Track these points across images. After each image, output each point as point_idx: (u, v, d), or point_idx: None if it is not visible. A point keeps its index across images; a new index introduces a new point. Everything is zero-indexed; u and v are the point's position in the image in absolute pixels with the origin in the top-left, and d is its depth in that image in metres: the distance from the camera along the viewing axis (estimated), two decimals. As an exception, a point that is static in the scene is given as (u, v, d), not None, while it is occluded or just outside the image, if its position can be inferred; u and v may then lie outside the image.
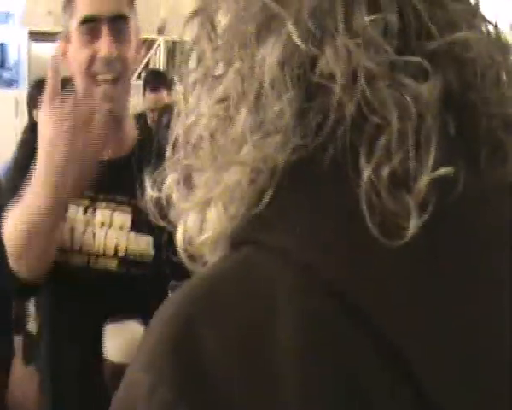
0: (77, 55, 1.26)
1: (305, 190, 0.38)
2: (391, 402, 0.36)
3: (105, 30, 1.24)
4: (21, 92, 4.52)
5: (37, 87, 2.95)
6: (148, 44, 5.88)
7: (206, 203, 0.40)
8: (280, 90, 0.37)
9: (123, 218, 1.32)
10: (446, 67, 0.38)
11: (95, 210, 1.31)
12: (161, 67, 6.02)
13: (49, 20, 4.47)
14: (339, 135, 0.37)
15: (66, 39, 1.28)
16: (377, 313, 0.36)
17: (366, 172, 0.36)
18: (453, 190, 0.37)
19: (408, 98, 0.36)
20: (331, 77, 0.37)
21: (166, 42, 6.02)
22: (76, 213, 1.29)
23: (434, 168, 0.36)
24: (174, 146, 0.43)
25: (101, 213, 1.32)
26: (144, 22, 6.27)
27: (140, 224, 1.30)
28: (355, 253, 0.37)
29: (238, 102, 0.39)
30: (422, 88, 0.36)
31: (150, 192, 0.43)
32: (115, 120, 1.28)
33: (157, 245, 1.32)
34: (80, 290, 1.30)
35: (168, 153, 0.43)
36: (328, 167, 0.37)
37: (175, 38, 6.05)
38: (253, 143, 0.38)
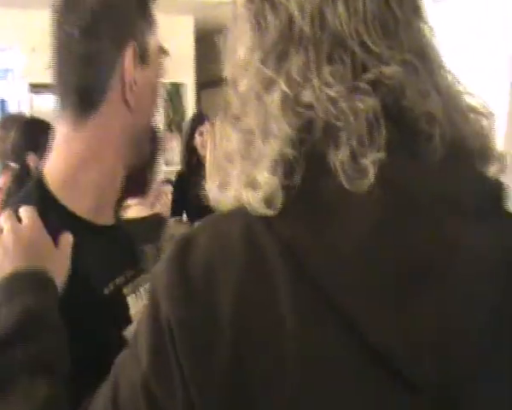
0: (156, 92, 1.00)
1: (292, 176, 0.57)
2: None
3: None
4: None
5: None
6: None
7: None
8: (281, 119, 0.59)
9: None
10: (381, 88, 0.58)
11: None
12: (160, 109, 6.07)
13: (49, 73, 4.49)
14: (317, 138, 0.58)
15: (143, 59, 0.93)
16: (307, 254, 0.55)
17: (335, 156, 0.56)
18: (393, 165, 0.56)
19: (359, 107, 0.57)
20: (310, 105, 0.58)
21: (163, 84, 6.06)
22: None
23: (377, 150, 0.56)
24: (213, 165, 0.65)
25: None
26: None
27: None
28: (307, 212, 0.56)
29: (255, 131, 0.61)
30: (369, 101, 0.57)
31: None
32: None
33: None
34: None
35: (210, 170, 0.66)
36: (312, 160, 0.57)
37: (171, 80, 6.12)
38: (263, 145, 0.60)
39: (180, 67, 6.07)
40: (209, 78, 6.75)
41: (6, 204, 0.93)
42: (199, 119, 3.96)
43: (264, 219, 0.57)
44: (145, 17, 0.92)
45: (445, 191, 0.58)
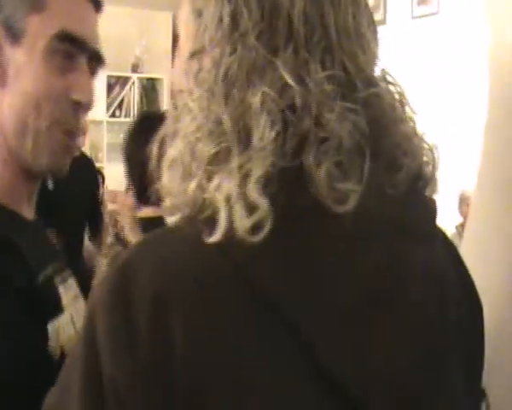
0: (36, 79, 0.84)
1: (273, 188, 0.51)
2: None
3: (83, 64, 0.87)
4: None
5: None
6: (123, 81, 5.90)
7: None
8: (265, 121, 0.51)
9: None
10: (367, 108, 0.55)
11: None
12: (135, 104, 6.02)
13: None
14: (296, 149, 0.52)
15: (14, 37, 0.84)
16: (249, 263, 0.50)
17: (316, 174, 0.51)
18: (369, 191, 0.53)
19: (348, 124, 0.53)
20: (298, 109, 0.53)
21: (140, 79, 6.03)
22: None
23: (358, 176, 0.53)
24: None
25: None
26: (119, 60, 6.29)
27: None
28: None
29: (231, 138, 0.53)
30: (358, 119, 0.54)
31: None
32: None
33: None
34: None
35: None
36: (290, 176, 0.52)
37: (148, 75, 6.07)
38: (242, 156, 0.52)
39: (157, 63, 6.02)
40: (185, 75, 6.71)
41: None
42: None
43: (219, 244, 0.50)
44: None
45: (404, 220, 0.57)
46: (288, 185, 0.51)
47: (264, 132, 0.51)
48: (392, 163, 0.56)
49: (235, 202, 0.50)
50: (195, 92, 0.56)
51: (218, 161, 0.53)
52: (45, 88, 0.83)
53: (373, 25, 0.61)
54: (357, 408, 0.52)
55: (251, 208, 0.50)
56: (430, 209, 0.62)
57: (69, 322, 0.91)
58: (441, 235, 0.65)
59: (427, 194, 0.62)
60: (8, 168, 0.87)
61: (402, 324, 0.54)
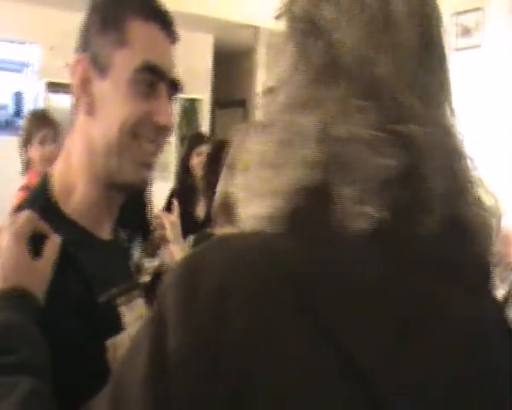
0: (122, 106, 0.94)
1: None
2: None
3: (163, 91, 0.99)
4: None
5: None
6: (163, 101, 5.98)
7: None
8: (311, 145, 0.58)
9: None
10: (410, 148, 0.57)
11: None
12: (175, 124, 6.10)
13: (66, 71, 4.50)
14: (331, 171, 0.57)
15: (101, 70, 0.95)
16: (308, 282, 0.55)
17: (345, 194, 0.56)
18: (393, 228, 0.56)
19: (386, 163, 0.56)
20: (340, 140, 0.58)
21: (181, 99, 6.11)
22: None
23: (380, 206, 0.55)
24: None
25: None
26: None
27: None
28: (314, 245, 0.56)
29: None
30: (398, 159, 0.56)
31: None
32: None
33: None
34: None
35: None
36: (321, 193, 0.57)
37: (189, 95, 6.15)
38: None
39: (197, 84, 6.10)
40: (225, 97, 6.78)
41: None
42: (197, 139, 3.91)
43: (283, 251, 0.56)
44: (103, 31, 0.96)
45: (439, 260, 0.59)
46: (319, 208, 0.57)
47: (306, 151, 0.58)
48: (422, 204, 0.58)
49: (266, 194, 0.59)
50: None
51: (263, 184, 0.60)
52: (130, 113, 0.94)
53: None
54: None
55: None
56: (479, 264, 0.62)
57: (127, 340, 0.97)
58: (492, 292, 0.66)
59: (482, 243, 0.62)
60: (93, 188, 0.97)
61: (436, 350, 0.56)
